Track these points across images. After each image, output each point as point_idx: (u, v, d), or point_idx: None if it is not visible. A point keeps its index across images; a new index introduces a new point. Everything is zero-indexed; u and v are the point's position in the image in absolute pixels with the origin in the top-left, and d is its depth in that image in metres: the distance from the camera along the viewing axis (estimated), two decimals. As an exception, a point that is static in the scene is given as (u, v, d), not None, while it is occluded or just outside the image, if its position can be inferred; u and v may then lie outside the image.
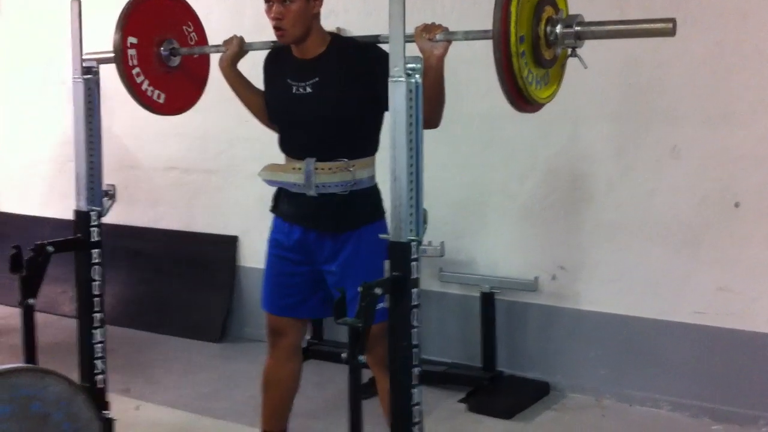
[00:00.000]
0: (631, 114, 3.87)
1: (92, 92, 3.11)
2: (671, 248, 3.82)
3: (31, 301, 2.96)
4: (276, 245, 3.03)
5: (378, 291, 2.25)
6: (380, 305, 2.30)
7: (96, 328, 3.12)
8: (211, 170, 5.23)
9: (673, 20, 2.22)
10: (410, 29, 2.38)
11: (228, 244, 5.15)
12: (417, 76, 2.28)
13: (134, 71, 3.10)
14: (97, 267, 3.12)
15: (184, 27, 3.27)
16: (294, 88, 2.87)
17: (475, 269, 4.29)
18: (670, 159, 3.79)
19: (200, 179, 5.28)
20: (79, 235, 3.11)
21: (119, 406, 3.49)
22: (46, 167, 5.96)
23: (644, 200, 3.87)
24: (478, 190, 4.31)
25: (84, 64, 3.08)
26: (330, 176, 2.81)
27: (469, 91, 4.09)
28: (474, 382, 4.08)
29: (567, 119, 3.99)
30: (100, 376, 3.13)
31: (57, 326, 5.06)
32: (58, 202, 5.63)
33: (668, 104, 3.78)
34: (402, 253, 2.31)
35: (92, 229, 3.11)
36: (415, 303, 2.33)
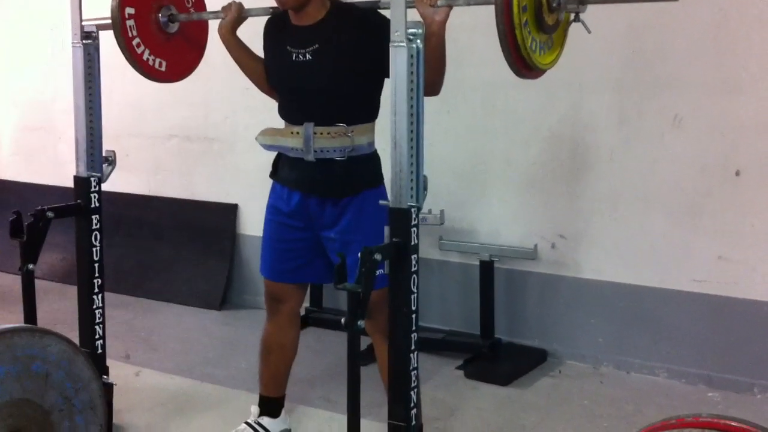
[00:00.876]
0: (634, 82, 3.86)
1: (92, 57, 3.10)
2: (672, 217, 3.82)
3: (31, 266, 2.98)
4: (275, 211, 3.03)
5: (378, 257, 2.26)
6: (380, 272, 2.30)
7: (96, 293, 3.14)
8: (211, 138, 5.22)
9: None
10: (411, -6, 2.37)
11: (228, 212, 5.15)
12: (418, 41, 2.27)
13: (134, 42, 3.09)
14: (96, 233, 3.13)
15: None
16: (294, 55, 2.85)
17: (475, 237, 4.29)
18: (672, 127, 3.78)
19: (201, 147, 5.27)
20: (79, 201, 3.12)
21: (119, 372, 3.52)
22: (46, 134, 5.95)
23: (646, 169, 3.87)
24: (479, 159, 4.30)
25: (84, 29, 3.07)
26: (329, 141, 2.80)
27: (470, 59, 4.07)
28: (472, 350, 4.09)
29: (569, 87, 3.97)
30: (99, 342, 3.16)
31: (57, 293, 5.08)
32: (58, 169, 5.62)
33: (671, 73, 3.76)
34: (402, 219, 2.32)
35: (92, 194, 3.12)
36: (415, 269, 2.34)
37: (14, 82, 6.18)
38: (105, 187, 3.18)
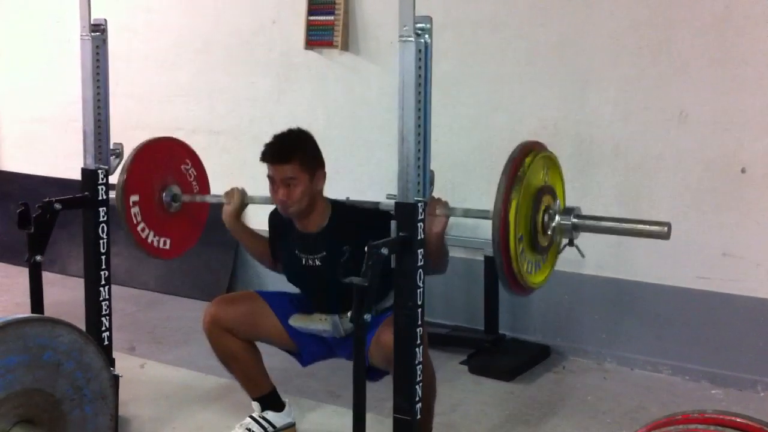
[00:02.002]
0: (639, 78, 3.86)
1: (100, 50, 3.11)
2: (677, 213, 3.81)
3: (38, 257, 2.99)
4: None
5: (384, 251, 2.27)
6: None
7: (102, 285, 3.15)
8: (217, 131, 5.22)
9: (668, 224, 2.40)
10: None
11: (233, 206, 5.15)
12: (426, 36, 2.27)
13: (139, 227, 3.24)
14: (104, 225, 3.15)
15: (183, 166, 3.41)
16: (303, 261, 2.97)
17: (480, 233, 4.29)
18: (678, 123, 3.78)
19: (206, 140, 5.26)
20: (86, 193, 3.13)
21: (124, 364, 3.53)
22: (52, 127, 5.95)
23: (650, 165, 3.87)
24: (484, 153, 4.30)
25: (92, 22, 3.07)
26: None
27: (475, 54, 4.07)
28: (476, 345, 4.10)
29: (575, 82, 3.97)
30: (105, 334, 3.18)
31: (63, 285, 5.09)
32: (64, 162, 5.63)
33: (676, 68, 3.76)
34: (409, 214, 2.33)
35: (99, 187, 3.13)
36: (421, 263, 2.35)
37: (20, 73, 6.18)
38: (111, 179, 3.19)
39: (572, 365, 4.01)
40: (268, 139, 3.01)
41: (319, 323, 2.99)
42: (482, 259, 4.12)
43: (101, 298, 3.15)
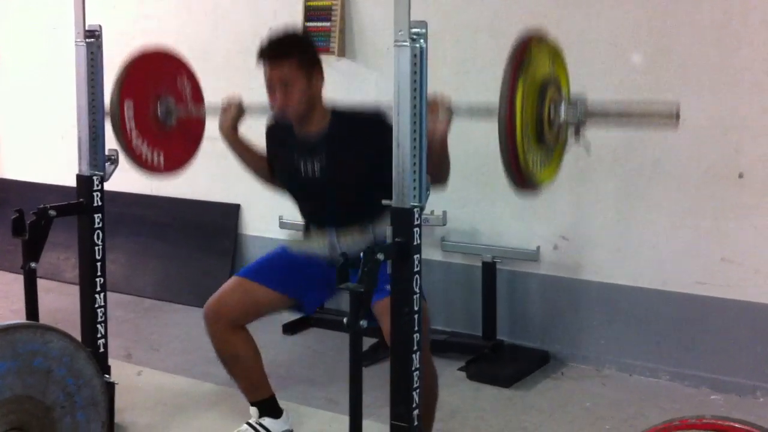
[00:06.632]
0: (637, 83, 3.85)
1: (95, 56, 3.10)
2: (675, 218, 3.81)
3: (33, 264, 2.98)
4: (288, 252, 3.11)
5: (380, 256, 2.25)
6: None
7: (98, 292, 3.14)
8: (215, 137, 5.19)
9: (676, 110, 2.28)
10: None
11: (231, 212, 5.15)
12: (422, 40, 2.26)
13: (132, 134, 3.17)
14: (99, 231, 3.13)
15: (178, 78, 3.33)
16: (302, 170, 2.93)
17: (477, 239, 4.28)
18: (675, 129, 3.76)
19: (204, 146, 5.25)
20: (81, 199, 3.12)
21: (121, 371, 3.52)
22: (48, 133, 5.95)
23: (648, 170, 3.86)
24: (482, 159, 4.28)
25: (87, 28, 3.06)
26: (352, 241, 2.91)
27: (473, 59, 4.06)
28: (474, 351, 4.09)
29: (573, 86, 3.95)
30: (101, 341, 3.16)
31: (59, 292, 5.07)
32: (60, 168, 5.61)
33: (674, 74, 3.76)
34: (405, 219, 2.31)
35: (95, 193, 3.12)
36: (417, 269, 2.34)
37: (16, 79, 6.18)
38: (107, 185, 3.18)
39: (571, 371, 4.00)
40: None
41: (315, 245, 3.00)
42: (480, 264, 4.11)
43: (96, 305, 3.13)
